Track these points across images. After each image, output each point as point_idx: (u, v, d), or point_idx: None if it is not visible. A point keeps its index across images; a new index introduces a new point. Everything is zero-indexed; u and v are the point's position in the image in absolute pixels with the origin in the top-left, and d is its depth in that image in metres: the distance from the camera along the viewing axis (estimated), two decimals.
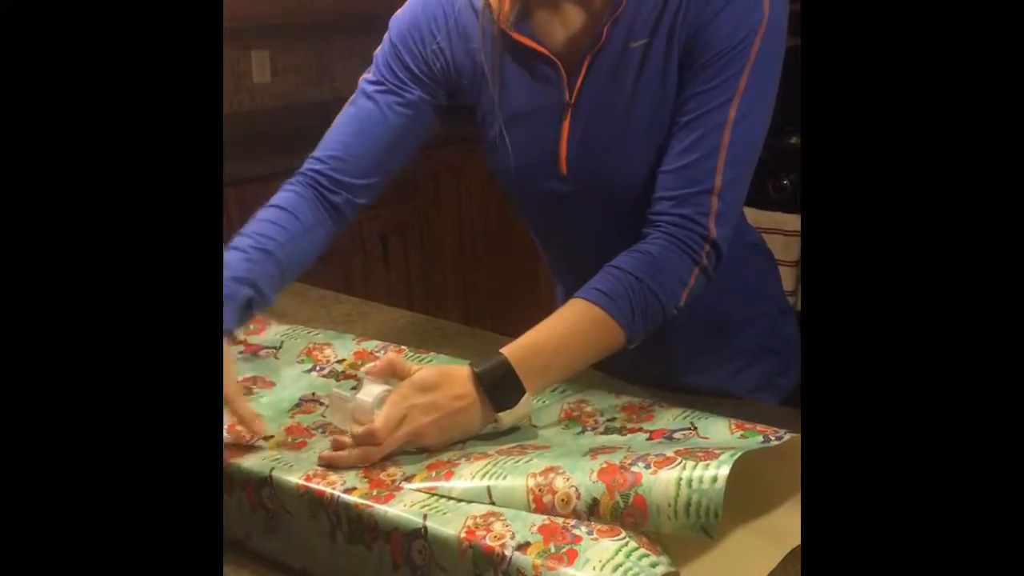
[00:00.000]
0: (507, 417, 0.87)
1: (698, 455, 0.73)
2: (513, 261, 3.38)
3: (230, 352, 0.94)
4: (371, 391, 0.86)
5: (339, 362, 1.07)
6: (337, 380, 1.03)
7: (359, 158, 1.06)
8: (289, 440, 0.90)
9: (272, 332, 1.15)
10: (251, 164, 2.94)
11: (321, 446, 0.88)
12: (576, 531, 0.72)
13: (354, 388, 0.93)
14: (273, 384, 1.03)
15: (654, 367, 1.07)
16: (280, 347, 1.11)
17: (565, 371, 0.91)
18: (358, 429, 0.83)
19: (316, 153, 1.08)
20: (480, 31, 1.03)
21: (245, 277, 0.97)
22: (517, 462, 0.79)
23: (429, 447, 0.85)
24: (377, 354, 1.07)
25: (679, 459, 0.73)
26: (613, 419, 0.90)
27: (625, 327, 0.90)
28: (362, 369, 0.99)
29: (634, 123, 0.98)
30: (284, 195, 1.06)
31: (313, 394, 1.00)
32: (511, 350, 0.88)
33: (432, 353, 1.06)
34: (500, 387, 0.86)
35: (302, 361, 1.08)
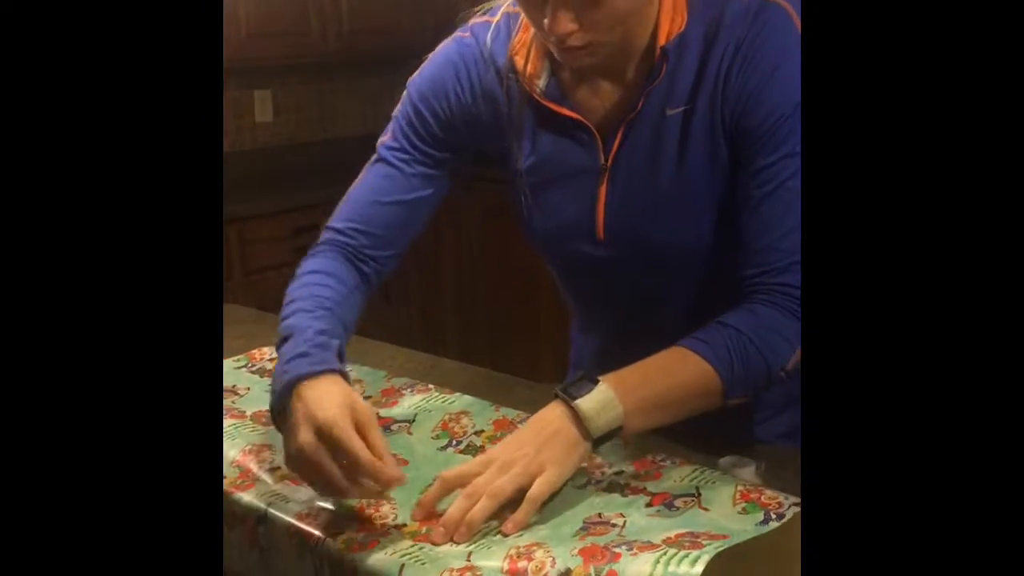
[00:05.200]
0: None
1: (684, 544, 0.72)
2: (512, 298, 3.39)
3: (347, 390, 0.85)
4: None
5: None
6: None
7: (384, 230, 1.04)
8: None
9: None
10: (253, 202, 2.98)
11: None
12: None
13: None
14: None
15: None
16: None
17: (658, 409, 0.88)
18: None
19: (337, 222, 1.04)
20: (505, 95, 1.01)
21: (329, 329, 0.92)
22: (505, 537, 0.78)
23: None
24: (404, 391, 1.08)
25: (663, 547, 0.72)
26: (620, 472, 0.88)
27: (723, 376, 0.88)
28: None
29: (674, 189, 0.96)
30: (321, 260, 1.02)
31: None
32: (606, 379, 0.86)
33: (457, 394, 1.06)
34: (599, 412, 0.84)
35: None
